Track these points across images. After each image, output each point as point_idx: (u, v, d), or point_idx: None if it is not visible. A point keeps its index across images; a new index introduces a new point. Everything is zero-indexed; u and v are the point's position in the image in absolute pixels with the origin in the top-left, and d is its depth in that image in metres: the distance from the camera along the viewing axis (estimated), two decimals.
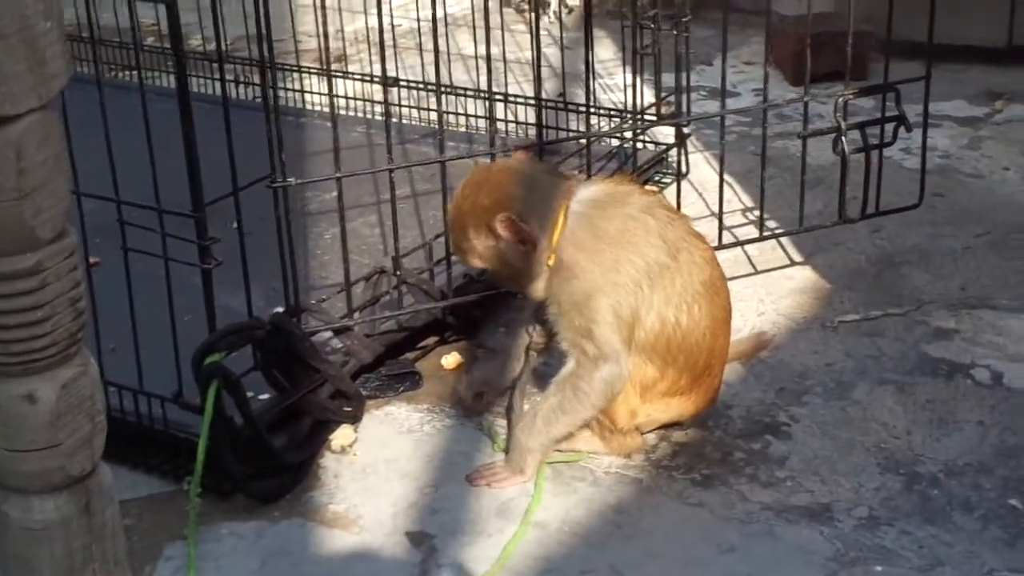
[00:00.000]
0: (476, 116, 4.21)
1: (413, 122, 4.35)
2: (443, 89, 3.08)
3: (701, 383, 2.74)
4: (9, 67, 1.84)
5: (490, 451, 2.81)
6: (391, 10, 3.68)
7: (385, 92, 3.00)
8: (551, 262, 2.62)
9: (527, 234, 2.60)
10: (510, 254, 2.63)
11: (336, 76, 2.95)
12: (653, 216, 2.68)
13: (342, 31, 4.82)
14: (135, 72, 4.70)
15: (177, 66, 2.50)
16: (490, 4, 4.50)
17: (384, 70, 2.96)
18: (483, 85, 4.15)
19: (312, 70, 4.53)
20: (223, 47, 4.45)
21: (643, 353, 2.64)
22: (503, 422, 2.88)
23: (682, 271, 2.64)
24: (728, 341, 2.81)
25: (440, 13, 3.04)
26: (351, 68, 4.63)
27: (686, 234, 2.71)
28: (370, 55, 4.58)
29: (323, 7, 2.78)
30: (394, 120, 4.16)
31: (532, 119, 3.97)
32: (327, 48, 2.85)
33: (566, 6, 5.32)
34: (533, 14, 3.24)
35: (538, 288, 2.66)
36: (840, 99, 3.36)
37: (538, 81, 3.30)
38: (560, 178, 2.74)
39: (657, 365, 2.66)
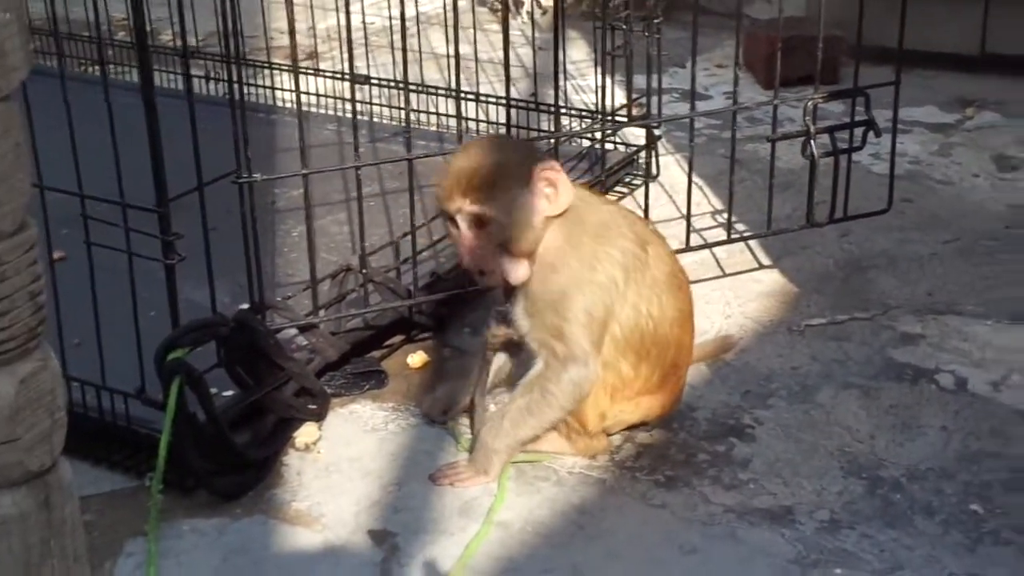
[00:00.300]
0: (446, 115, 4.21)
1: (384, 120, 4.35)
2: (412, 87, 3.06)
3: (668, 381, 2.76)
4: None
5: (454, 450, 2.81)
6: (363, 8, 3.66)
7: (353, 89, 3.00)
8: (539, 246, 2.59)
9: (564, 190, 2.57)
10: (528, 212, 2.55)
11: (304, 73, 2.94)
12: (622, 211, 2.74)
13: (314, 28, 4.81)
14: (96, 66, 4.70)
15: (140, 59, 2.49)
16: (463, 3, 4.50)
17: (352, 67, 2.95)
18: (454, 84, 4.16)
19: (282, 67, 4.52)
20: (188, 42, 4.46)
21: (617, 350, 2.65)
22: (467, 422, 2.87)
23: (651, 264, 2.67)
24: (692, 338, 2.82)
25: (412, 12, 3.03)
26: (323, 65, 4.62)
27: (649, 230, 2.76)
28: (342, 52, 4.58)
29: (290, 3, 2.76)
30: (365, 118, 4.17)
31: (503, 119, 3.96)
32: (294, 45, 2.83)
33: (540, 6, 5.33)
34: (504, 12, 3.23)
35: (520, 271, 2.59)
36: (809, 103, 3.37)
37: (508, 80, 3.29)
38: None
39: (631, 362, 2.67)
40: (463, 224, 2.56)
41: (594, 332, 2.61)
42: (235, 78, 2.67)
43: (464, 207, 2.54)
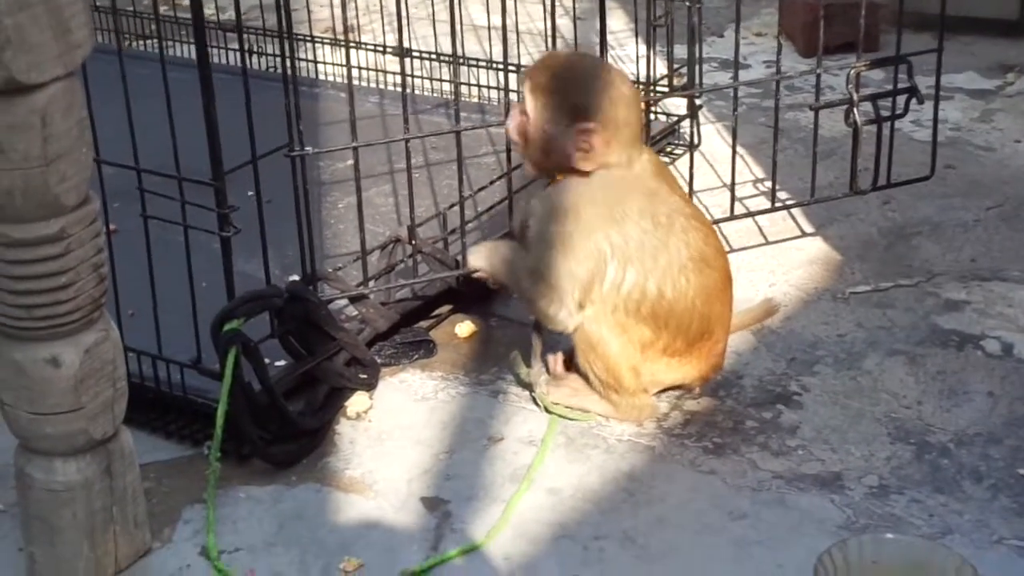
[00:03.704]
0: (488, 87, 4.23)
1: (425, 92, 4.37)
2: (461, 60, 3.08)
3: (701, 348, 2.78)
4: (34, 36, 1.87)
5: (504, 418, 2.84)
6: None
7: (402, 63, 3.01)
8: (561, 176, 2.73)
9: (596, 156, 2.67)
10: (553, 141, 2.69)
11: (352, 46, 2.96)
12: (655, 193, 2.74)
13: (355, 1, 4.82)
14: (146, 41, 4.74)
15: (197, 36, 2.52)
16: None
17: (400, 40, 2.98)
18: (495, 56, 4.18)
19: (325, 40, 4.55)
20: (229, 16, 4.47)
21: (632, 316, 2.71)
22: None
23: (670, 249, 2.70)
24: (728, 308, 2.85)
25: None
26: (363, 38, 4.64)
27: (681, 212, 2.76)
28: (383, 25, 4.60)
29: None
30: (406, 90, 4.19)
31: None
32: (345, 19, 2.85)
33: None
34: None
35: (529, 166, 2.79)
36: (852, 71, 3.37)
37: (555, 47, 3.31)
38: None
39: (651, 327, 2.73)
40: (519, 103, 2.77)
41: (572, 289, 2.69)
42: (287, 53, 2.69)
43: (525, 94, 2.73)
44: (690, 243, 2.74)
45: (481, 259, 2.88)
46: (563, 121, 2.67)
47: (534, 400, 2.87)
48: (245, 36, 4.49)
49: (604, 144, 2.65)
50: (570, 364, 2.86)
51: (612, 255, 2.68)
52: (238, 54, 4.24)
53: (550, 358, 2.89)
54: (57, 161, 2.01)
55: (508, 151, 3.12)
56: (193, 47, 4.31)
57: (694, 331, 2.75)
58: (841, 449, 2.70)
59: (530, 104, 2.70)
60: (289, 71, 2.71)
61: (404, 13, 3.00)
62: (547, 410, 2.82)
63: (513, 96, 3.39)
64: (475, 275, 2.92)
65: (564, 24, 4.72)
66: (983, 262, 3.37)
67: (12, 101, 1.93)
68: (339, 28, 4.70)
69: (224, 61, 4.43)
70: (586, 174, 2.70)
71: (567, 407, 2.82)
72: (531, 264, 2.74)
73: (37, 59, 1.92)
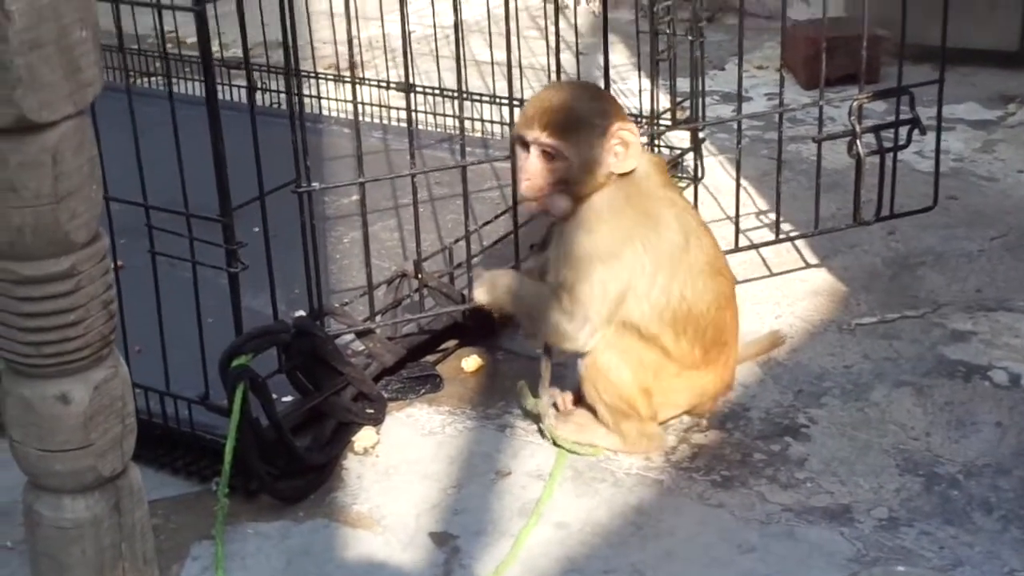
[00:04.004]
0: (492, 122, 4.24)
1: (428, 127, 4.38)
2: (466, 96, 3.09)
3: (713, 358, 2.79)
4: (46, 75, 1.87)
5: (511, 453, 2.84)
6: (407, 16, 3.67)
7: (408, 98, 3.02)
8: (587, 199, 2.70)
9: (633, 153, 2.67)
10: (595, 160, 2.66)
11: (358, 83, 2.97)
12: (676, 200, 2.80)
13: (358, 38, 4.83)
14: (151, 78, 4.76)
15: (206, 74, 2.53)
16: (499, 11, 4.52)
17: (407, 76, 2.99)
18: (499, 91, 4.19)
19: (329, 76, 4.56)
20: (232, 53, 4.48)
21: (654, 323, 2.71)
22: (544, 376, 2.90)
23: (690, 253, 2.73)
24: (736, 317, 2.86)
25: (452, 20, 3.06)
26: (366, 74, 4.66)
27: (694, 216, 2.84)
28: (386, 61, 4.61)
29: (348, 14, 2.80)
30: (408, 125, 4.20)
31: None
32: (351, 56, 2.86)
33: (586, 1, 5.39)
34: (556, 15, 3.25)
35: (562, 204, 2.70)
36: (855, 103, 3.38)
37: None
38: None
39: (671, 335, 2.73)
40: (534, 152, 2.67)
41: (603, 303, 2.68)
42: (293, 90, 2.70)
43: (540, 138, 2.66)
44: (704, 248, 2.77)
45: (485, 292, 2.86)
46: (598, 138, 2.65)
47: (541, 432, 2.87)
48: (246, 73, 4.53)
49: (636, 138, 2.68)
50: (578, 400, 2.86)
51: (647, 263, 2.68)
52: (242, 90, 4.29)
53: (558, 397, 2.89)
54: (68, 198, 2.01)
55: (513, 185, 3.12)
56: (198, 84, 4.39)
57: (709, 338, 2.76)
58: (850, 481, 2.69)
59: (559, 143, 2.64)
60: (296, 107, 2.72)
61: (408, 49, 3.01)
62: (555, 442, 2.82)
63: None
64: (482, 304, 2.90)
65: (566, 59, 4.74)
66: (988, 292, 3.37)
67: (23, 139, 1.93)
68: (342, 64, 4.72)
69: (228, 97, 4.44)
70: (613, 180, 2.69)
71: (574, 442, 2.82)
72: (556, 280, 2.70)
73: (48, 98, 1.92)
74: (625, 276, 2.67)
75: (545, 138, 2.65)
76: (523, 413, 2.94)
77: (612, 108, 2.72)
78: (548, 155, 2.66)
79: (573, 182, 2.67)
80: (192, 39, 4.80)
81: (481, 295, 2.86)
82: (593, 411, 2.80)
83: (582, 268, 2.67)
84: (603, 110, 2.69)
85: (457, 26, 2.94)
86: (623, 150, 2.67)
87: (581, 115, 2.66)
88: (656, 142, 3.97)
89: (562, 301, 2.68)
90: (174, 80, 4.60)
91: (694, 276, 2.73)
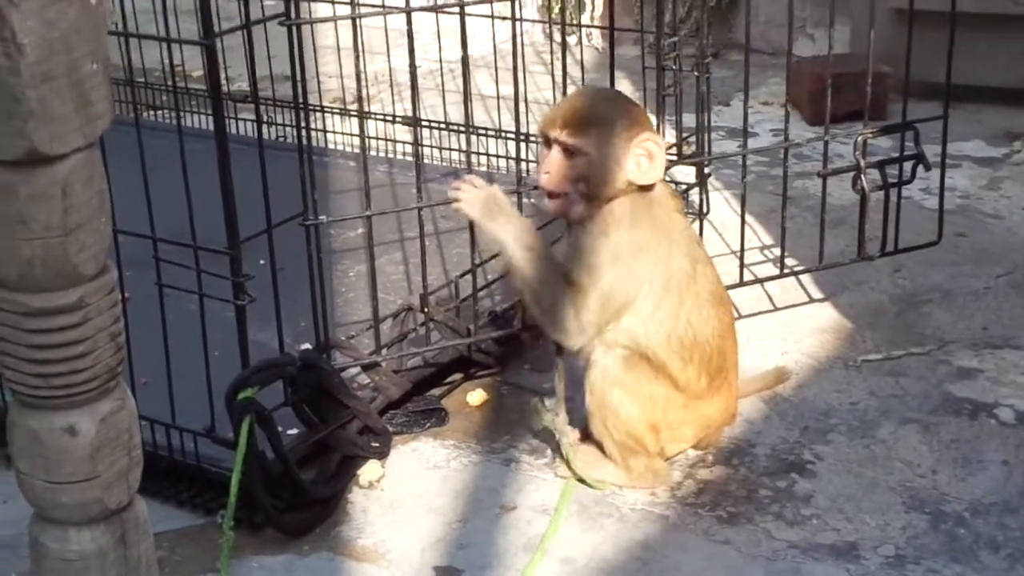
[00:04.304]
0: (498, 156, 4.25)
1: (434, 161, 4.39)
2: (474, 130, 3.10)
3: (717, 386, 2.79)
4: (57, 108, 1.88)
5: (516, 487, 2.83)
6: (414, 51, 3.69)
7: (415, 132, 3.03)
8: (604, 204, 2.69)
9: (657, 165, 2.67)
10: (615, 164, 2.66)
11: (366, 117, 2.98)
12: (687, 227, 2.83)
13: (365, 72, 4.84)
14: (157, 112, 4.77)
15: (215, 108, 2.54)
16: (504, 46, 4.53)
17: (415, 110, 2.99)
18: (504, 125, 4.20)
19: (335, 110, 4.57)
20: (239, 87, 4.50)
21: (662, 348, 2.71)
22: (548, 401, 2.90)
23: (697, 281, 2.75)
24: (736, 347, 2.87)
25: (458, 55, 3.08)
26: (371, 108, 4.67)
27: (704, 253, 2.85)
28: (392, 95, 4.63)
29: (357, 49, 2.81)
30: (414, 159, 4.21)
31: None
32: (359, 90, 2.87)
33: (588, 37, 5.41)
34: (563, 50, 3.27)
35: (580, 209, 2.70)
36: (860, 138, 3.39)
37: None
38: None
39: (677, 361, 2.73)
40: (556, 149, 2.68)
41: (603, 309, 2.68)
42: (302, 123, 2.71)
43: (562, 136, 2.67)
44: (709, 277, 2.79)
45: (489, 221, 2.73)
46: (619, 141, 2.66)
47: (551, 462, 2.85)
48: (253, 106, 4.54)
49: (661, 151, 2.68)
50: (585, 436, 2.86)
51: (656, 280, 2.69)
52: (248, 124, 4.30)
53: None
54: (77, 231, 2.01)
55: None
56: (204, 117, 4.40)
57: (715, 365, 2.78)
58: (856, 518, 2.69)
59: (580, 141, 2.65)
60: (304, 140, 2.72)
61: (415, 83, 3.02)
62: (568, 463, 2.81)
63: (526, 164, 3.42)
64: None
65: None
66: (995, 330, 3.37)
67: (33, 172, 1.94)
68: (348, 98, 4.73)
69: (234, 130, 4.45)
70: (633, 192, 2.70)
71: (580, 478, 2.81)
72: (565, 270, 2.70)
73: (59, 130, 1.93)
74: (632, 287, 2.68)
75: (565, 136, 2.66)
76: (534, 435, 2.95)
77: (640, 117, 2.74)
78: (568, 152, 2.67)
79: (591, 181, 2.67)
80: (198, 72, 4.82)
81: (485, 221, 2.74)
82: (600, 446, 2.80)
83: (592, 269, 2.68)
84: (629, 115, 2.71)
85: (464, 61, 2.95)
86: (647, 161, 2.67)
87: (603, 114, 2.68)
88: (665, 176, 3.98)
89: (569, 296, 2.68)
90: (181, 113, 4.63)
91: (700, 303, 2.74)
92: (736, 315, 3.36)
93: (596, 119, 2.67)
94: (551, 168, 2.70)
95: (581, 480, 2.80)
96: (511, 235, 2.71)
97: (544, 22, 5.64)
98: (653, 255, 2.69)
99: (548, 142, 2.71)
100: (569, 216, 2.74)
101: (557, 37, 5.00)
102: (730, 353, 2.84)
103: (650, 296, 2.69)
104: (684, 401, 2.77)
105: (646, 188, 2.71)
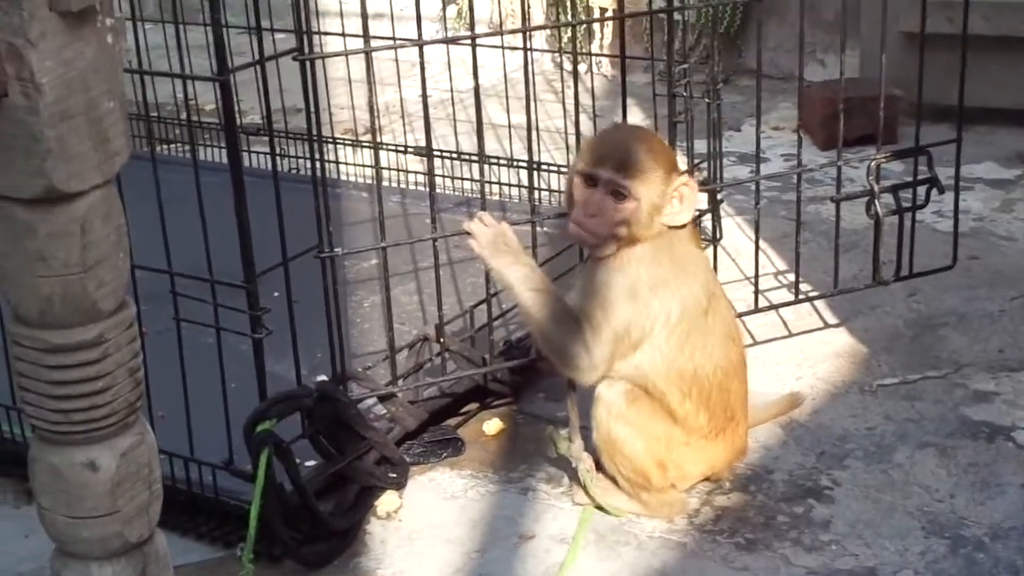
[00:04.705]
0: (510, 185, 4.26)
1: (446, 191, 4.40)
2: (485, 159, 3.12)
3: (724, 428, 2.79)
4: (75, 146, 1.90)
5: (533, 516, 2.83)
6: (426, 81, 3.73)
7: (430, 162, 3.04)
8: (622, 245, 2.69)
9: (687, 208, 2.69)
10: (657, 208, 2.67)
11: (380, 148, 3.00)
12: (705, 261, 2.84)
13: (376, 103, 4.87)
14: (170, 146, 4.79)
15: (229, 143, 2.55)
16: (515, 74, 4.55)
17: (428, 140, 3.01)
18: (516, 154, 4.22)
19: (347, 141, 4.59)
20: (251, 120, 4.52)
21: (661, 378, 2.71)
22: (563, 430, 2.90)
23: (708, 315, 2.75)
24: (745, 387, 2.86)
25: (469, 84, 3.10)
26: (383, 139, 4.69)
27: (719, 288, 2.86)
28: (404, 126, 4.65)
29: (371, 81, 2.83)
30: (426, 189, 4.23)
31: (564, 187, 4.03)
32: (373, 121, 2.89)
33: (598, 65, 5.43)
34: (574, 78, 3.28)
35: (608, 248, 2.70)
36: (873, 163, 3.39)
37: (578, 145, 3.35)
38: None
39: (676, 394, 2.73)
40: (602, 189, 2.67)
41: (617, 345, 2.68)
42: (316, 156, 2.72)
43: (613, 176, 2.65)
44: (721, 312, 2.79)
45: (496, 260, 2.74)
46: (663, 187, 2.68)
47: (576, 481, 2.84)
48: (266, 139, 4.56)
49: (693, 193, 2.70)
50: (599, 466, 2.86)
51: (674, 312, 2.69)
52: (261, 156, 4.32)
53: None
54: (96, 267, 2.03)
55: (534, 247, 3.13)
56: (217, 150, 4.42)
57: (715, 401, 2.76)
58: (875, 544, 2.68)
59: (633, 185, 2.65)
60: (319, 173, 2.74)
61: (422, 112, 3.03)
62: (586, 490, 2.81)
63: (538, 192, 3.43)
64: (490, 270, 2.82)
65: (582, 121, 4.77)
66: (1011, 353, 3.37)
67: (53, 210, 1.96)
68: (359, 129, 4.76)
69: (247, 163, 4.47)
70: (655, 235, 2.70)
71: (597, 506, 2.81)
72: (579, 309, 2.71)
73: (77, 168, 1.95)
74: (648, 322, 2.68)
75: (620, 178, 2.65)
76: (551, 463, 2.96)
77: (674, 158, 2.77)
78: (619, 195, 2.66)
79: (634, 226, 2.66)
80: (210, 106, 4.85)
81: (492, 261, 2.76)
82: (614, 480, 2.80)
83: (607, 306, 2.68)
84: (668, 159, 2.73)
85: (476, 92, 2.96)
86: (679, 203, 2.69)
87: (654, 160, 2.68)
88: None
89: (581, 331, 2.67)
90: (191, 146, 4.65)
91: (706, 337, 2.74)
92: (751, 341, 3.38)
93: (645, 163, 2.67)
94: (601, 212, 2.67)
95: (599, 507, 2.80)
96: (518, 276, 2.72)
97: (555, 51, 5.66)
98: (671, 289, 2.69)
99: (593, 180, 2.68)
100: (596, 253, 2.74)
101: (567, 66, 5.02)
102: (735, 391, 2.81)
103: (664, 329, 2.70)
104: (685, 438, 2.76)
105: (674, 227, 2.72)
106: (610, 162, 2.67)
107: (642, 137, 2.76)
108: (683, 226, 2.73)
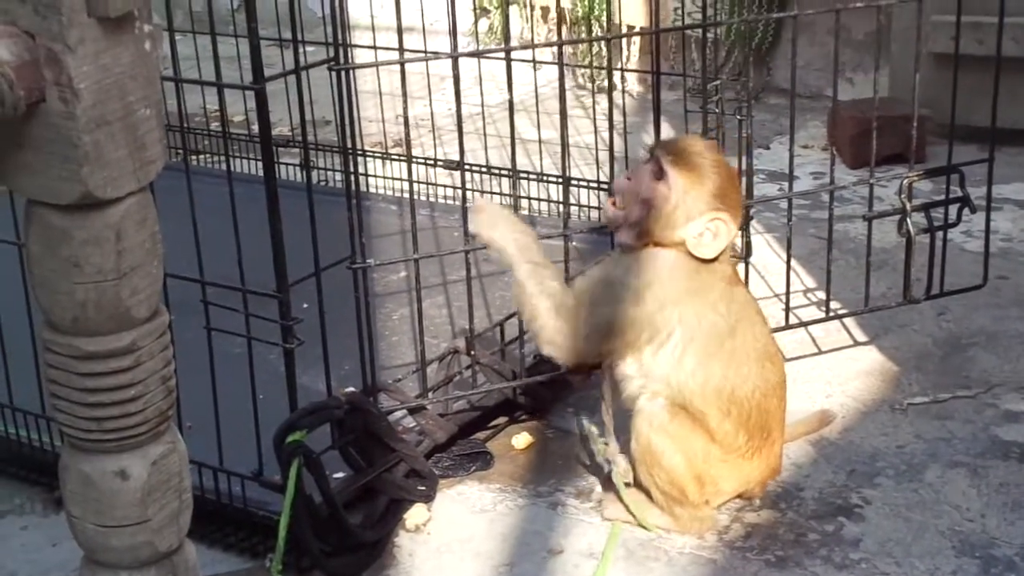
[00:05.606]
0: (539, 199, 4.26)
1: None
2: (517, 174, 3.12)
3: (761, 447, 2.77)
4: (111, 152, 1.90)
5: (562, 530, 2.82)
6: (459, 96, 3.74)
7: (462, 176, 3.04)
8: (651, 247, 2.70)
9: (717, 245, 2.68)
10: (677, 219, 2.66)
11: (413, 161, 3.00)
12: (735, 281, 2.81)
13: (405, 116, 4.87)
14: (199, 156, 4.81)
15: (264, 153, 2.56)
16: (545, 90, 4.55)
17: (461, 154, 3.01)
18: (544, 169, 4.22)
19: (376, 154, 4.60)
20: (280, 131, 4.52)
21: (697, 397, 2.70)
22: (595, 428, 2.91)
23: (735, 338, 2.73)
24: (783, 408, 2.84)
25: (499, 99, 3.10)
26: (412, 152, 4.69)
27: (752, 305, 2.83)
28: (434, 139, 4.65)
29: (404, 94, 2.83)
30: (455, 202, 4.23)
31: (595, 202, 4.02)
32: (407, 134, 2.90)
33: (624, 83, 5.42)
34: (609, 93, 3.27)
35: (627, 236, 2.72)
36: (905, 181, 3.38)
37: (612, 162, 3.35)
38: None
39: (715, 412, 2.72)
40: (652, 164, 2.69)
41: (597, 338, 2.70)
42: (350, 168, 2.73)
43: (664, 156, 2.68)
44: (756, 336, 2.77)
45: (488, 231, 2.78)
46: (699, 204, 2.67)
47: (607, 490, 2.83)
48: (296, 150, 4.57)
49: (728, 235, 2.69)
50: (633, 482, 2.84)
51: (677, 334, 2.68)
52: (291, 168, 4.33)
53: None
54: (130, 274, 2.03)
55: (566, 261, 3.12)
56: (250, 162, 4.43)
57: (754, 422, 2.74)
58: (905, 563, 2.66)
59: (673, 178, 2.66)
60: (352, 184, 2.74)
61: (456, 126, 3.03)
62: (618, 494, 2.80)
63: (567, 208, 3.43)
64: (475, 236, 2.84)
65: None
66: None
67: (88, 216, 1.96)
68: (389, 142, 4.76)
69: (278, 175, 4.48)
70: (672, 247, 2.70)
71: (626, 521, 2.80)
72: (574, 288, 2.73)
73: (113, 175, 1.95)
74: (635, 327, 2.68)
75: (668, 160, 2.67)
76: (581, 475, 2.97)
77: (732, 194, 2.72)
78: (658, 175, 2.68)
79: (651, 214, 2.67)
80: (239, 117, 4.87)
81: (484, 232, 2.79)
82: (647, 492, 2.79)
83: (600, 294, 2.70)
84: (726, 189, 2.69)
85: (510, 106, 2.96)
86: (710, 236, 2.67)
87: (711, 175, 2.67)
88: None
89: (564, 310, 2.71)
90: (223, 157, 4.66)
91: (738, 360, 2.72)
92: None
93: (701, 169, 2.67)
94: (637, 179, 2.71)
95: (629, 511, 2.78)
96: (512, 243, 2.76)
97: (587, 67, 5.66)
98: (679, 311, 2.68)
99: (652, 158, 2.72)
100: (620, 238, 2.75)
101: (598, 82, 5.02)
102: (773, 412, 2.80)
103: (668, 345, 2.68)
104: (723, 455, 2.75)
105: (701, 258, 2.70)
106: (673, 148, 2.70)
107: (717, 158, 2.75)
108: (710, 261, 2.70)
